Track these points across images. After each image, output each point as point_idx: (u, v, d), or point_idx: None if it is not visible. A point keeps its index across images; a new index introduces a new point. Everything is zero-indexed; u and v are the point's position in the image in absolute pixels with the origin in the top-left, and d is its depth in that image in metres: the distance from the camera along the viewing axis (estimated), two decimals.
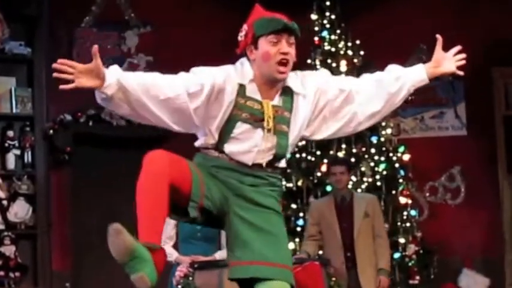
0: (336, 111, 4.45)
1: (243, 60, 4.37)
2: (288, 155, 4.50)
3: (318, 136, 4.55)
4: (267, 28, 4.29)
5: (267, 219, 4.32)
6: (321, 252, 8.62)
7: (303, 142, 9.48)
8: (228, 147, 4.30)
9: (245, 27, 4.35)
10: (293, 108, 4.39)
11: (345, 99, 4.43)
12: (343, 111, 4.46)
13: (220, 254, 7.29)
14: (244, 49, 4.36)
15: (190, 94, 4.18)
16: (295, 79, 4.40)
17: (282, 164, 4.46)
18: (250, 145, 4.32)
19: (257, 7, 4.45)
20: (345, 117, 4.46)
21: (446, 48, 11.44)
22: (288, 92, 4.38)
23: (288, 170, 9.45)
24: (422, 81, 4.54)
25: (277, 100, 4.36)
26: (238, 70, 4.34)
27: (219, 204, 4.27)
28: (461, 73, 4.63)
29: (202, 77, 4.23)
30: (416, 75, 4.53)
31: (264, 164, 4.36)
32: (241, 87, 4.28)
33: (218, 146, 4.30)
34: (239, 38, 4.37)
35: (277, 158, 4.40)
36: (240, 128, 4.30)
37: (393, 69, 4.55)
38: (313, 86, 4.41)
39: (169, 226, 7.23)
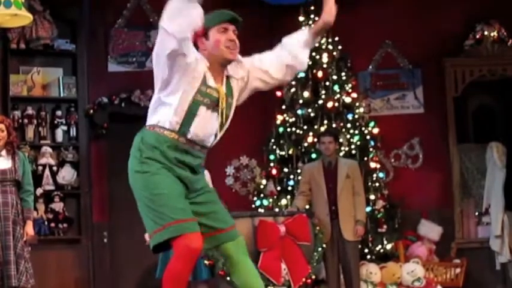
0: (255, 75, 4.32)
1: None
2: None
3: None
4: (217, 19, 4.14)
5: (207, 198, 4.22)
6: (307, 206, 8.55)
7: (293, 119, 9.58)
8: (193, 130, 4.07)
9: None
10: (233, 92, 4.23)
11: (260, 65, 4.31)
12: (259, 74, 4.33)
13: None
14: (195, 41, 4.12)
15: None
16: (230, 66, 4.23)
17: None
18: (212, 128, 4.14)
19: None
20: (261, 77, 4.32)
21: (407, 43, 11.82)
22: (227, 78, 4.23)
23: (281, 141, 9.54)
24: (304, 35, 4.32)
25: (224, 87, 4.18)
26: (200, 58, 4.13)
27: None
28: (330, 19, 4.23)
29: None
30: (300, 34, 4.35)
31: (209, 145, 4.21)
32: (204, 76, 4.10)
33: (180, 128, 4.06)
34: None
35: (216, 137, 4.23)
36: (202, 112, 4.09)
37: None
38: (246, 68, 4.27)
39: None
